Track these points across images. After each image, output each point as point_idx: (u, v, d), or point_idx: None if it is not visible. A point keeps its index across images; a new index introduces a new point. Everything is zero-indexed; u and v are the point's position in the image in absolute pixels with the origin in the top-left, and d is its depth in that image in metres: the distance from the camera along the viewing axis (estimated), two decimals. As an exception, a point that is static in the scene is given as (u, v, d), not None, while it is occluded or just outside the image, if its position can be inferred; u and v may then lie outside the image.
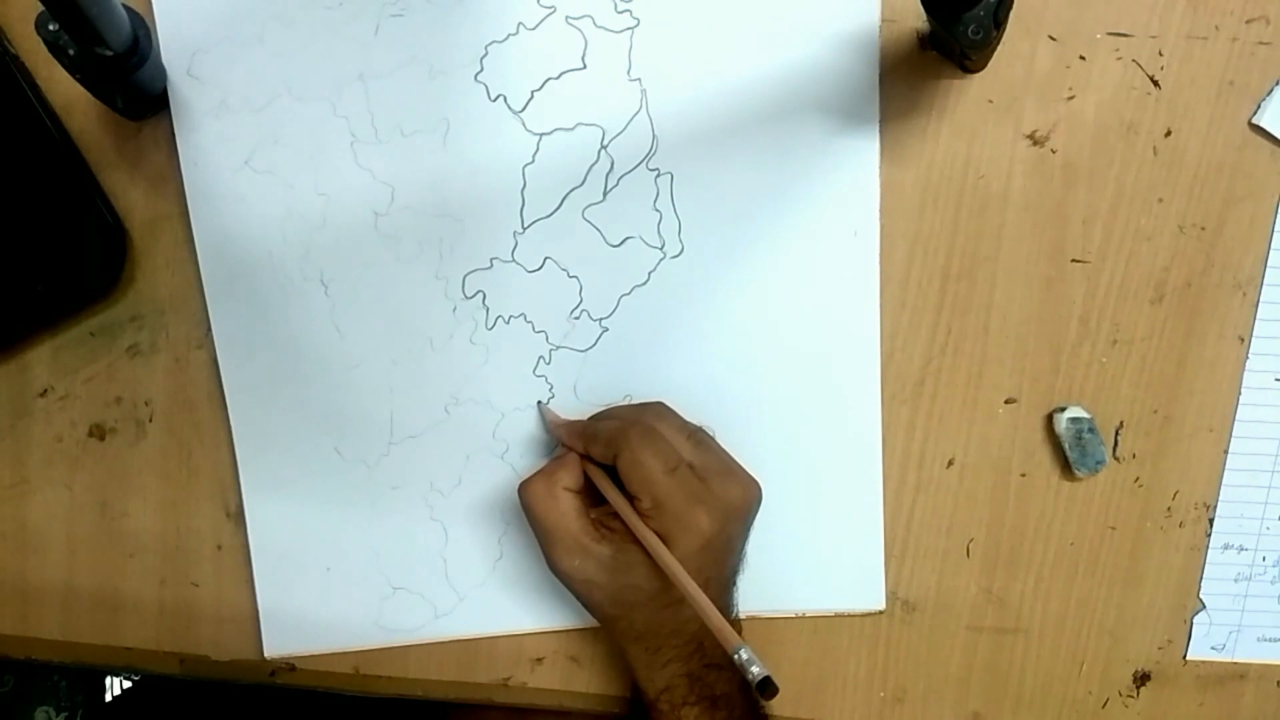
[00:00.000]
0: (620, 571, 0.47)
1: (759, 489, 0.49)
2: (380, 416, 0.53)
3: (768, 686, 0.40)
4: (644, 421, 0.48)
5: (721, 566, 0.48)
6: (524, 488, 0.49)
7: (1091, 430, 0.52)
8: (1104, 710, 0.56)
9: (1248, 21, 0.50)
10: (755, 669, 0.40)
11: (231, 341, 0.52)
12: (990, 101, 0.51)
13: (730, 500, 0.47)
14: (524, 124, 0.50)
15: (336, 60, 0.50)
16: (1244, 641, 0.55)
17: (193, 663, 0.56)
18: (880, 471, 0.54)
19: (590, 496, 0.50)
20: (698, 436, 0.49)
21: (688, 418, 0.50)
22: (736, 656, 0.41)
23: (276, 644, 0.55)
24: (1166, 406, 0.53)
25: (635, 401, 0.53)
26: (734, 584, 0.50)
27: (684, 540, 0.46)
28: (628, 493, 0.47)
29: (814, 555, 0.54)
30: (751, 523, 0.50)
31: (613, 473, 0.48)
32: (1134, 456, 0.54)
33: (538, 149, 0.51)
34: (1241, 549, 0.55)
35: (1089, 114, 0.51)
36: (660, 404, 0.51)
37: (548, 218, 0.51)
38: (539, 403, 0.53)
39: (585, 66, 0.50)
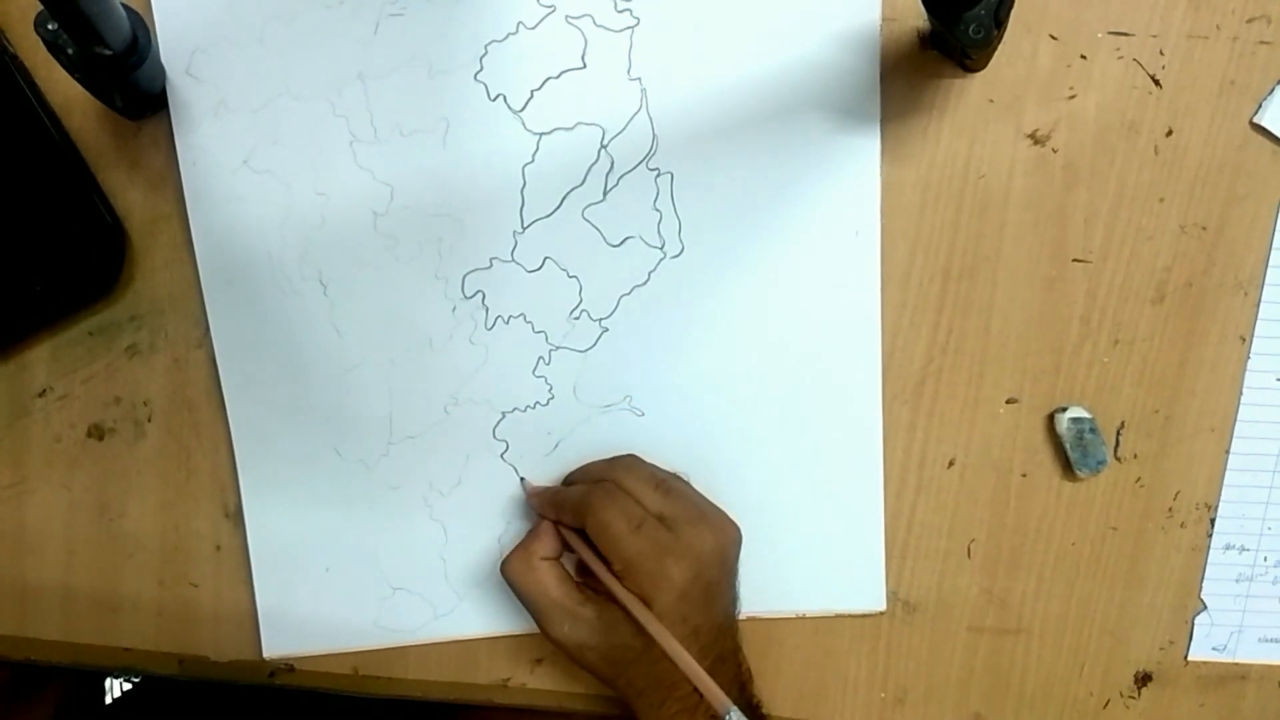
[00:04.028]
0: (608, 631, 0.47)
1: (735, 531, 0.49)
2: (379, 417, 0.53)
3: None
4: (607, 482, 0.49)
5: (707, 613, 0.47)
6: (504, 566, 0.50)
7: (1093, 430, 0.52)
8: (1105, 711, 0.56)
9: (1249, 21, 0.50)
10: None
11: (230, 341, 0.52)
12: (991, 101, 0.51)
13: (701, 547, 0.47)
14: (524, 123, 0.50)
15: (336, 60, 0.50)
16: (1245, 642, 0.55)
17: (192, 663, 0.56)
18: (881, 472, 0.53)
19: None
20: (666, 485, 0.49)
21: (687, 417, 0.50)
22: (728, 719, 0.41)
23: (276, 644, 0.55)
24: (1168, 406, 0.53)
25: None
26: (730, 626, 0.49)
27: (660, 595, 0.45)
28: (602, 555, 0.47)
29: (814, 555, 0.54)
30: (733, 565, 0.49)
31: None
32: (1135, 457, 0.54)
33: (537, 149, 0.51)
34: (1243, 549, 0.55)
35: (1090, 113, 0.51)
36: (629, 457, 0.52)
37: (547, 218, 0.51)
38: (521, 480, 0.53)
39: (585, 66, 0.50)
